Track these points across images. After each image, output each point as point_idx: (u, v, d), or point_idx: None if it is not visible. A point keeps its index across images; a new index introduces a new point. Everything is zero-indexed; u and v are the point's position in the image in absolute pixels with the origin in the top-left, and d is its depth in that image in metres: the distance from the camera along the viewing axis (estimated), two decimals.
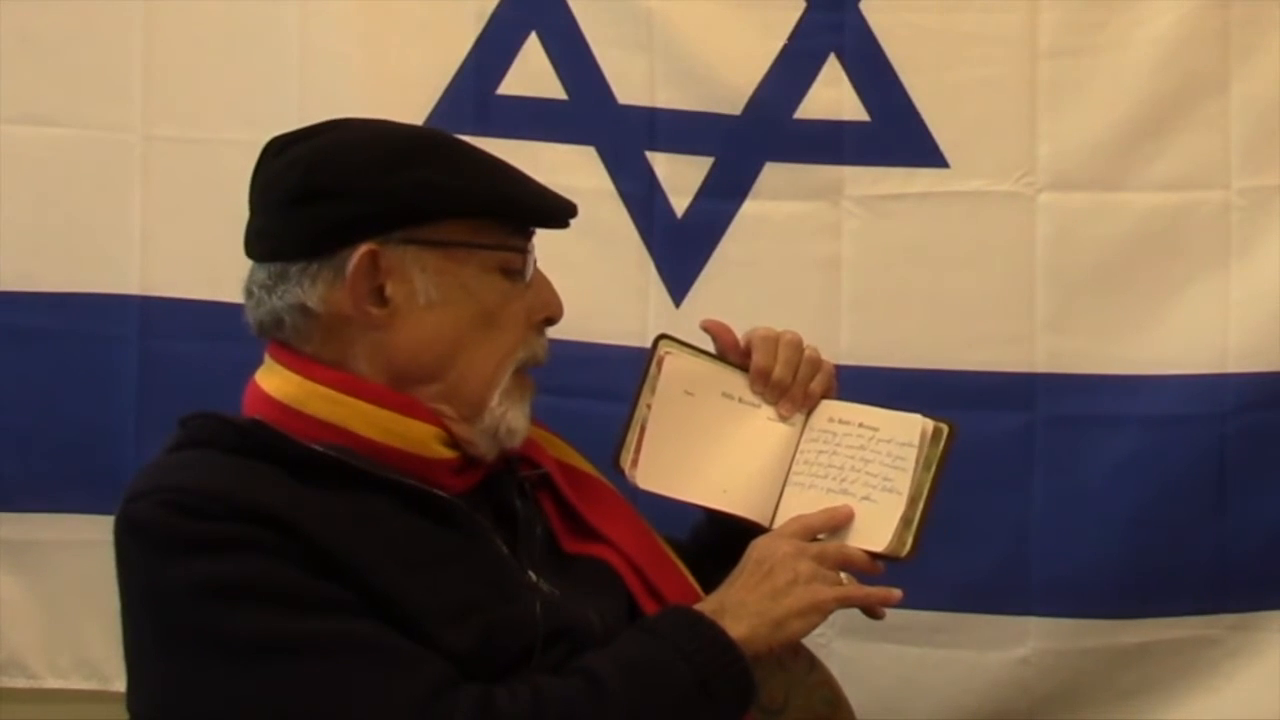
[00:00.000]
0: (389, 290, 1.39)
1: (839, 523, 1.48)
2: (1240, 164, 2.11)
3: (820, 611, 1.42)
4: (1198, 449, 2.12)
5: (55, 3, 2.28)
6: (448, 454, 1.42)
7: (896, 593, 1.45)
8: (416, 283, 1.39)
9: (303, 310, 1.40)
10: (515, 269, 1.43)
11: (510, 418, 1.43)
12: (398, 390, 1.41)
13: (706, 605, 1.41)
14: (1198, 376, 2.12)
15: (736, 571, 1.44)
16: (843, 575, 1.44)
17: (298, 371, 1.41)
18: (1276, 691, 2.12)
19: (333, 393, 1.39)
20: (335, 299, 1.39)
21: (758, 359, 1.58)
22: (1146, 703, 2.16)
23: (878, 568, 1.46)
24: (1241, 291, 2.11)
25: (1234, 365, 2.11)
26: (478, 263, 1.41)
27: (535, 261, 1.46)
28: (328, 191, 1.39)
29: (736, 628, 1.37)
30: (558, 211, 1.46)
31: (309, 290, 1.39)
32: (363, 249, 1.37)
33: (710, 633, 1.36)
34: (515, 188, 1.44)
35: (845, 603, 1.44)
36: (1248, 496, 2.11)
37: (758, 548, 1.45)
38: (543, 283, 1.47)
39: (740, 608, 1.39)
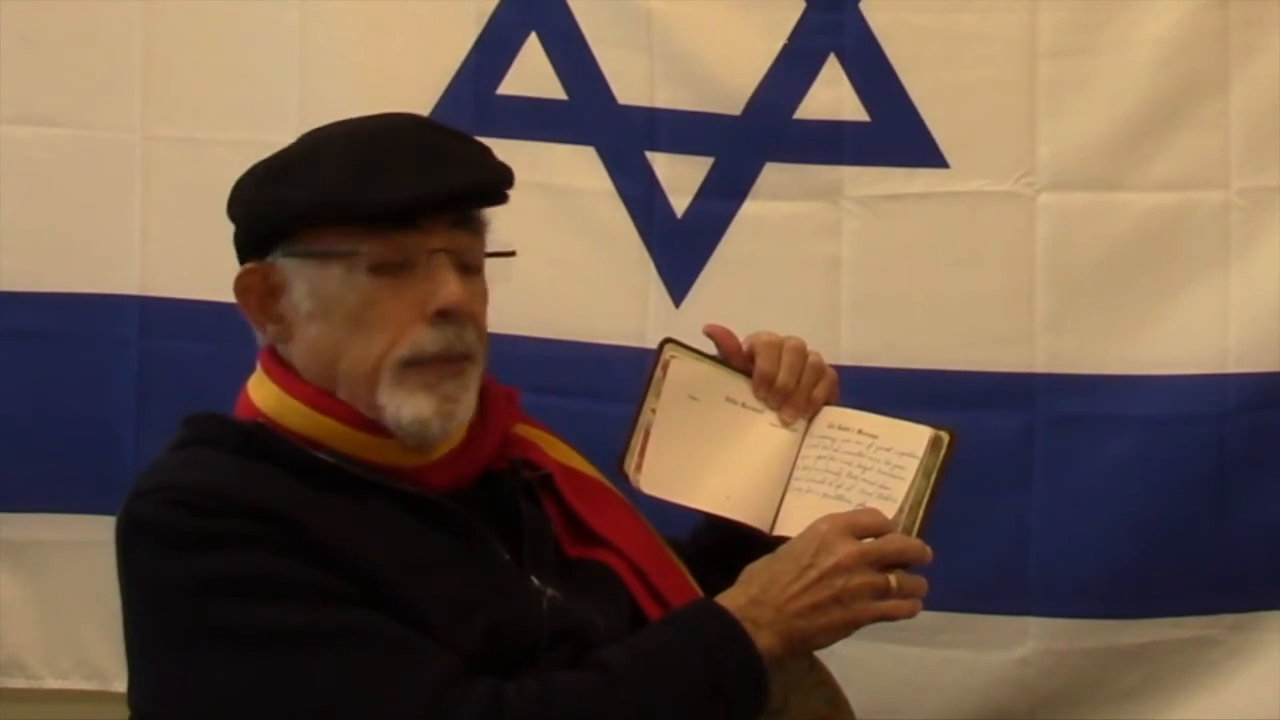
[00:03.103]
0: (280, 306, 1.42)
1: (910, 557, 1.43)
2: (1240, 164, 2.10)
3: (854, 628, 1.41)
4: (1198, 449, 2.12)
5: (55, 3, 2.28)
6: (419, 459, 1.42)
7: (919, 606, 1.43)
8: (296, 295, 1.41)
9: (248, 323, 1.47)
10: (391, 264, 1.39)
11: (405, 412, 1.38)
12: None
13: (742, 599, 1.38)
14: (1198, 376, 2.11)
15: (784, 554, 1.41)
16: (891, 579, 1.40)
17: (278, 383, 1.43)
18: (1276, 691, 2.12)
19: (305, 409, 1.41)
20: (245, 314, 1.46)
21: (761, 364, 1.58)
22: (1146, 703, 2.16)
23: (927, 555, 1.43)
24: (1241, 291, 2.11)
25: (1234, 365, 2.11)
26: (345, 266, 1.39)
27: (436, 253, 1.39)
28: (230, 216, 1.47)
29: (766, 638, 1.36)
30: (402, 203, 1.38)
31: None
32: (242, 270, 1.44)
33: (735, 634, 1.35)
34: (352, 192, 1.38)
35: (880, 620, 1.42)
36: (1248, 496, 2.11)
37: (813, 538, 1.40)
38: (439, 273, 1.39)
39: (776, 617, 1.37)
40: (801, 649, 1.41)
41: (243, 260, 1.46)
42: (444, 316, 1.39)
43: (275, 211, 1.42)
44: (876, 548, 1.41)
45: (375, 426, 1.40)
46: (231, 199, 1.47)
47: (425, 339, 1.39)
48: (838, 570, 1.38)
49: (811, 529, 1.42)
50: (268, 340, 1.46)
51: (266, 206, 1.43)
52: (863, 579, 1.39)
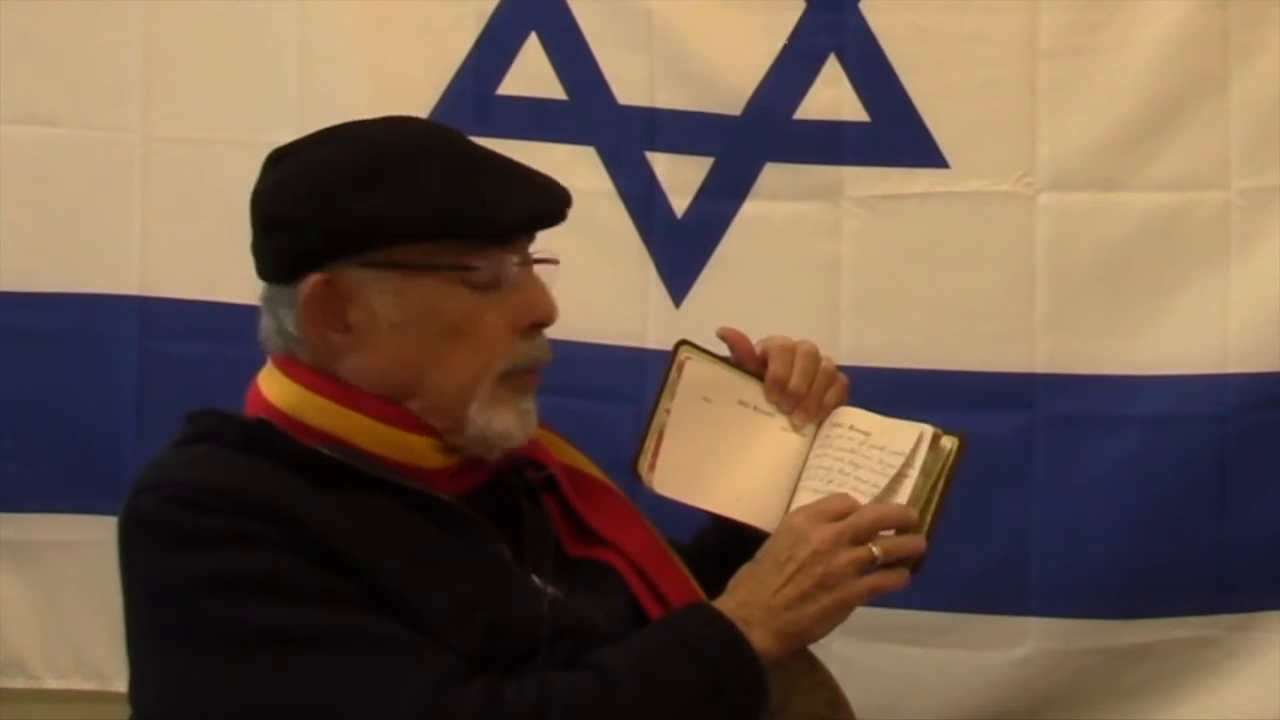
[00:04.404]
0: (350, 315, 1.39)
1: (889, 522, 1.44)
2: (1240, 164, 2.10)
3: (847, 611, 1.41)
4: (1198, 449, 2.12)
5: (55, 3, 2.28)
6: (445, 461, 1.42)
7: (905, 574, 1.43)
8: (376, 305, 1.39)
9: (282, 332, 1.42)
10: (484, 281, 1.40)
11: (495, 425, 1.41)
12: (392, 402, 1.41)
13: (731, 604, 1.39)
14: (1198, 376, 2.11)
15: (764, 557, 1.42)
16: (875, 549, 1.41)
17: (297, 380, 1.42)
18: (1276, 691, 2.12)
19: (330, 404, 1.40)
20: (303, 324, 1.40)
21: (775, 368, 1.58)
22: (1146, 703, 2.16)
23: (911, 517, 1.44)
24: (1241, 291, 2.11)
25: (1234, 365, 2.11)
26: (439, 279, 1.39)
27: (519, 265, 1.42)
28: (279, 223, 1.41)
29: (762, 639, 1.36)
30: (522, 221, 1.41)
31: (285, 314, 1.41)
32: (313, 279, 1.38)
33: (730, 636, 1.35)
34: (463, 208, 1.39)
35: (872, 596, 1.42)
36: (1248, 496, 2.11)
37: (788, 534, 1.42)
38: (531, 285, 1.43)
39: (767, 616, 1.37)
40: (798, 642, 1.41)
41: (283, 268, 1.41)
42: (537, 327, 1.43)
43: (370, 223, 1.38)
44: (850, 524, 1.41)
45: (415, 425, 1.40)
46: (284, 207, 1.40)
47: (521, 351, 1.42)
48: (817, 557, 1.39)
49: (784, 525, 1.44)
50: (321, 350, 1.41)
51: (353, 217, 1.38)
52: (845, 558, 1.39)
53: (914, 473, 1.48)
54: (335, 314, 1.39)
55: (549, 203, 1.44)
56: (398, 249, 1.38)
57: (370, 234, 1.38)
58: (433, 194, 1.38)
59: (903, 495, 1.47)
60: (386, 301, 1.39)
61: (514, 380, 1.42)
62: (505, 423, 1.41)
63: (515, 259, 1.42)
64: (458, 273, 1.39)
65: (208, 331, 2.21)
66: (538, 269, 1.46)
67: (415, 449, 1.40)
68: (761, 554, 1.43)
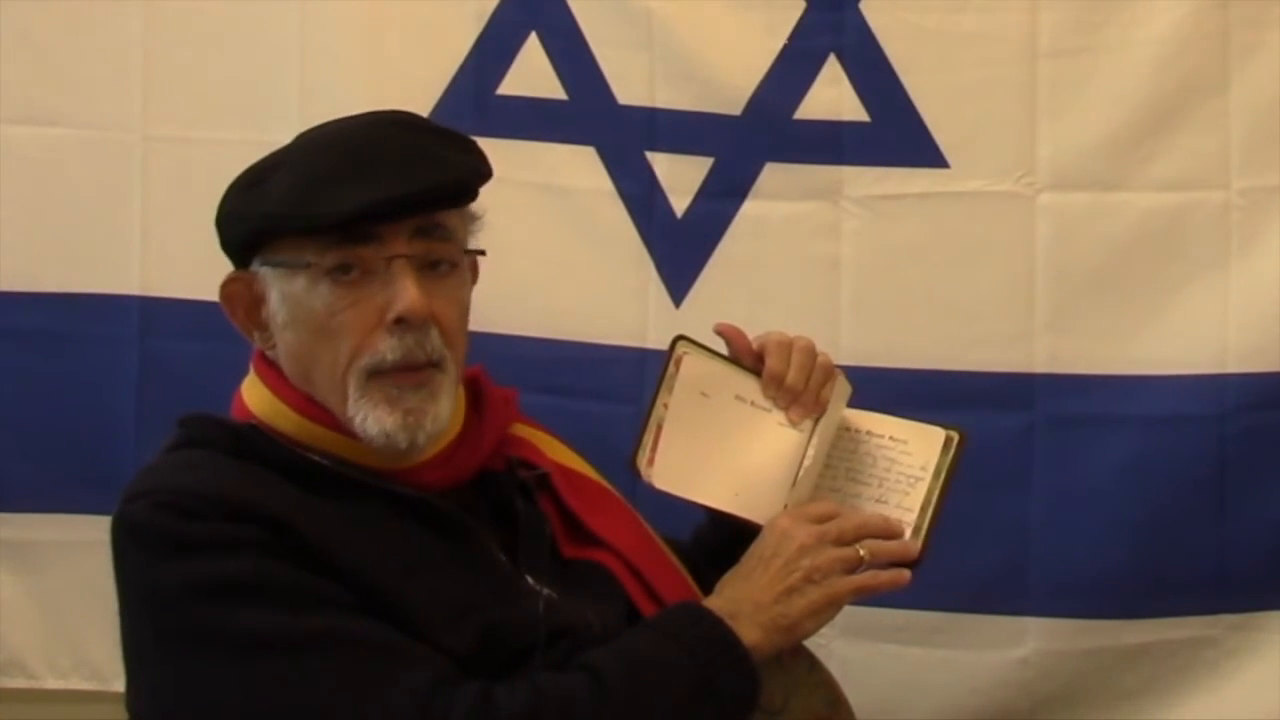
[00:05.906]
0: (263, 313, 1.44)
1: (872, 531, 1.47)
2: (1240, 164, 2.10)
3: (835, 606, 1.42)
4: (1198, 449, 2.12)
5: (55, 3, 2.28)
6: (406, 462, 1.42)
7: (905, 574, 1.45)
8: (273, 304, 1.43)
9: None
10: (350, 272, 1.39)
11: (371, 424, 1.39)
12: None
13: (718, 602, 1.41)
14: (1198, 376, 2.11)
15: (749, 557, 1.44)
16: (860, 550, 1.43)
17: (269, 387, 1.44)
18: (1276, 691, 2.12)
19: (293, 413, 1.42)
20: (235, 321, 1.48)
21: (771, 364, 1.58)
22: (1146, 703, 2.16)
23: (896, 529, 1.46)
24: (1241, 291, 2.11)
25: (1234, 365, 2.11)
26: (309, 276, 1.40)
27: (391, 259, 1.38)
28: (215, 223, 1.47)
29: (750, 633, 1.37)
30: (355, 213, 1.36)
31: None
32: (226, 277, 1.45)
33: (719, 632, 1.36)
34: (297, 204, 1.38)
35: (860, 594, 1.43)
36: (1248, 497, 2.11)
37: (772, 534, 1.44)
38: (397, 280, 1.39)
39: (755, 611, 1.39)
40: (787, 636, 1.41)
41: (235, 267, 1.47)
42: (402, 324, 1.38)
43: (242, 222, 1.43)
44: (835, 525, 1.44)
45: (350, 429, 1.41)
46: (218, 207, 1.47)
47: (385, 347, 1.39)
48: (802, 552, 1.41)
49: (769, 526, 1.46)
50: (258, 346, 1.47)
51: (238, 217, 1.43)
52: (830, 554, 1.42)
53: (928, 476, 1.48)
54: (255, 313, 1.44)
55: (400, 192, 1.37)
56: (277, 247, 1.41)
57: (242, 231, 1.43)
58: (284, 191, 1.39)
59: (916, 499, 1.47)
60: (276, 299, 1.42)
61: (389, 378, 1.39)
62: (382, 422, 1.39)
63: (391, 253, 1.39)
64: (309, 269, 1.39)
65: (208, 331, 2.20)
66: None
67: (369, 454, 1.40)
68: (747, 555, 1.45)
